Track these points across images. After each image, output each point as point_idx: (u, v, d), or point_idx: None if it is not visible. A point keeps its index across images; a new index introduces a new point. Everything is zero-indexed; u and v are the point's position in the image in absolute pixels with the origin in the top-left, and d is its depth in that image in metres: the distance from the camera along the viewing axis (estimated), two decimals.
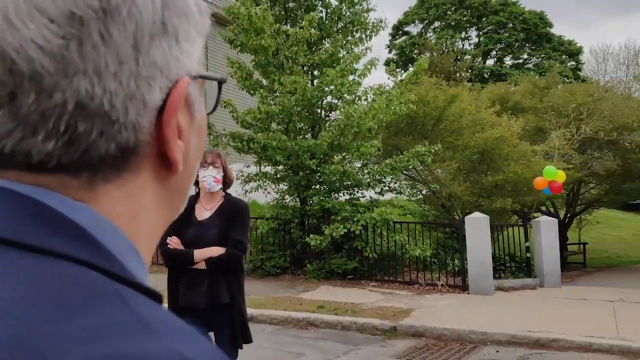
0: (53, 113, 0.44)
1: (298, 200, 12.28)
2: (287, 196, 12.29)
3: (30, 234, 0.44)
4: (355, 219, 11.02)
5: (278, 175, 12.11)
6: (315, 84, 11.57)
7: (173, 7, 0.50)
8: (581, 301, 9.75)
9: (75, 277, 0.42)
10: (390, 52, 44.66)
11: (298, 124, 11.85)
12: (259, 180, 12.15)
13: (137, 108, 0.47)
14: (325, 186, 11.82)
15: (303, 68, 11.76)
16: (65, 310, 0.39)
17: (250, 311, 8.72)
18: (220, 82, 0.60)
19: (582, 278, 13.99)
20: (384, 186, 12.42)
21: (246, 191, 12.13)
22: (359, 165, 12.37)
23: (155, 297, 0.47)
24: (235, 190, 14.69)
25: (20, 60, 0.43)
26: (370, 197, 12.40)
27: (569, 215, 18.22)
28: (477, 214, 10.83)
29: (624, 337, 7.20)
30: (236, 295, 3.70)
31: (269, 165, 12.06)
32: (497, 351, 6.96)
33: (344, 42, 12.18)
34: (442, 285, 10.71)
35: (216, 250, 3.63)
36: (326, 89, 11.23)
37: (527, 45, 43.14)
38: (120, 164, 0.48)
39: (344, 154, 11.92)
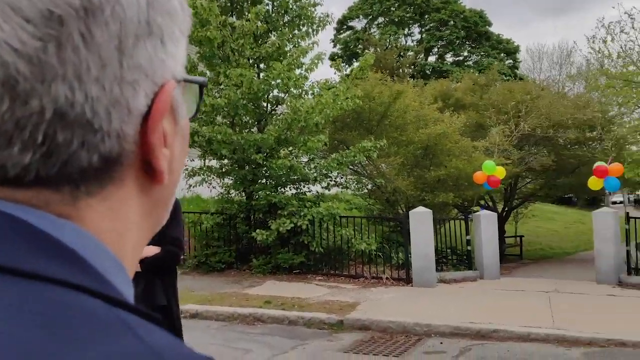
0: (29, 122, 0.40)
1: (244, 194, 12.18)
2: (232, 190, 12.17)
3: (13, 256, 0.40)
4: (302, 213, 11.03)
5: (223, 170, 11.96)
6: (261, 77, 11.47)
7: (158, 6, 0.46)
8: (519, 292, 10.12)
9: (74, 305, 0.39)
10: (334, 46, 44.87)
11: (244, 117, 11.74)
12: (203, 175, 11.97)
13: (121, 115, 0.44)
14: (271, 181, 11.77)
15: (249, 61, 11.65)
16: (71, 342, 0.36)
17: (195, 307, 8.63)
18: (202, 85, 0.57)
19: (519, 270, 14.54)
20: (330, 181, 12.48)
21: (190, 185, 11.93)
22: (305, 159, 12.38)
23: (155, 321, 0.44)
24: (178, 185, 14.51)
25: None
26: (317, 192, 12.44)
27: (506, 209, 18.87)
28: (421, 209, 11.05)
29: (559, 326, 7.52)
30: (172, 297, 3.60)
31: (213, 159, 11.89)
32: (441, 343, 7.14)
33: (291, 36, 12.14)
34: (386, 278, 10.88)
35: (151, 250, 3.47)
36: (273, 82, 11.15)
37: (467, 42, 44.27)
38: (103, 176, 0.45)
39: (290, 148, 11.90)
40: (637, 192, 41.51)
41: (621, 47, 16.95)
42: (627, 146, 16.43)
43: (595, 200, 43.98)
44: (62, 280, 0.40)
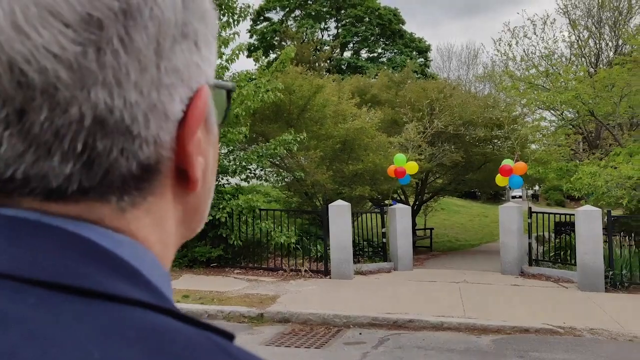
0: (69, 130, 0.39)
1: None
2: None
3: (87, 277, 0.39)
4: (221, 206, 10.90)
5: None
6: None
7: (193, 8, 0.45)
8: (431, 283, 10.56)
9: (164, 328, 0.38)
10: (251, 37, 44.43)
11: None
12: None
13: (158, 120, 0.43)
14: None
15: None
16: None
17: None
18: (230, 91, 0.56)
19: (430, 261, 15.14)
20: (250, 173, 12.40)
21: None
22: (224, 151, 12.22)
23: (233, 338, 0.44)
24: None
25: (31, 72, 0.38)
26: (236, 184, 12.32)
27: (417, 202, 19.57)
28: (339, 202, 11.23)
29: (470, 315, 7.94)
30: None
31: None
32: (360, 333, 7.32)
33: None
34: (305, 270, 10.99)
35: None
36: None
37: (381, 39, 45.32)
38: (143, 185, 0.44)
39: None
40: (534, 188, 44.43)
41: (524, 51, 18.03)
42: (529, 144, 17.54)
43: (497, 195, 46.61)
44: (139, 300, 0.39)
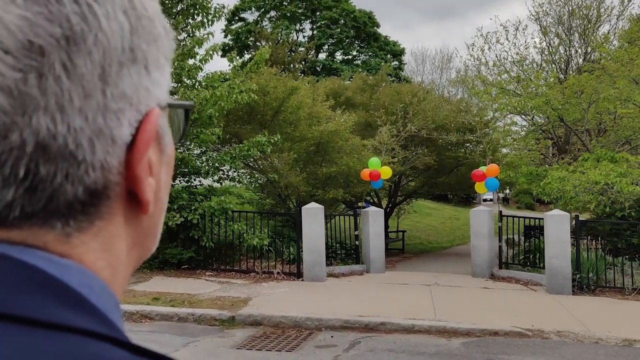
0: (10, 156, 0.39)
1: None
2: None
3: (30, 305, 0.38)
4: (193, 207, 10.80)
5: None
6: None
7: (142, 32, 0.45)
8: (403, 286, 10.62)
9: (105, 358, 0.38)
10: (225, 37, 44.17)
11: None
12: None
13: (104, 146, 0.42)
14: None
15: None
16: None
17: None
18: (188, 110, 0.56)
19: (402, 263, 15.24)
20: (223, 174, 12.31)
21: None
22: (197, 152, 12.11)
23: None
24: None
25: None
26: (208, 185, 12.22)
27: (390, 205, 19.69)
28: (313, 204, 11.23)
29: (440, 318, 8.01)
30: None
31: None
32: (332, 336, 7.32)
33: (184, 25, 11.79)
34: (278, 273, 10.95)
35: None
36: None
37: (356, 42, 45.49)
38: (91, 210, 0.43)
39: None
40: (505, 191, 45.12)
41: (496, 56, 18.29)
42: (500, 149, 17.79)
43: (468, 198, 47.19)
44: (85, 329, 0.39)
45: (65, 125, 0.40)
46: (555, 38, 19.60)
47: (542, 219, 10.98)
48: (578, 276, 10.17)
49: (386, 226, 18.11)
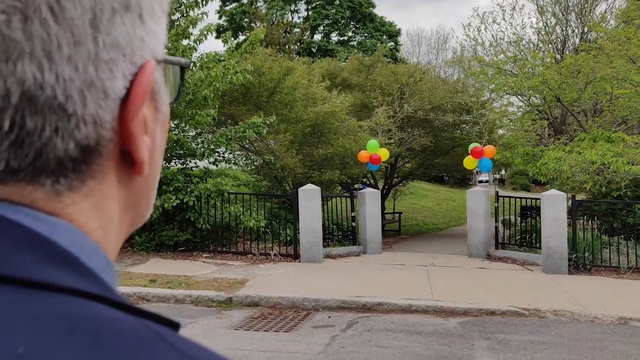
0: None
1: None
2: None
3: (18, 264, 0.36)
4: (189, 189, 10.75)
5: None
6: None
7: None
8: (400, 266, 10.64)
9: (102, 318, 0.36)
10: (220, 18, 43.73)
11: None
12: None
13: (96, 98, 0.40)
14: None
15: None
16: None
17: None
18: (183, 67, 0.53)
19: (398, 244, 15.27)
20: (218, 156, 12.25)
21: None
22: (192, 134, 12.03)
23: (177, 327, 0.41)
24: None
25: None
26: (204, 167, 12.16)
27: (386, 186, 19.68)
28: (309, 186, 11.19)
29: (437, 298, 8.03)
30: None
31: None
32: (329, 317, 7.34)
33: (178, 5, 11.63)
34: (275, 254, 10.96)
35: None
36: None
37: (352, 23, 45.12)
38: (81, 168, 0.41)
39: (177, 121, 11.49)
40: (500, 172, 45.18)
41: (493, 37, 18.17)
42: (496, 130, 17.75)
43: (464, 179, 47.28)
44: (76, 289, 0.36)
45: (54, 74, 0.37)
46: (552, 18, 19.44)
47: (539, 199, 10.99)
48: (574, 256, 10.21)
49: (383, 208, 18.13)
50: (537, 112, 17.53)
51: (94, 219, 0.42)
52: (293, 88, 13.48)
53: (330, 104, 13.44)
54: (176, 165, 11.90)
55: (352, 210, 12.47)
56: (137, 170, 0.44)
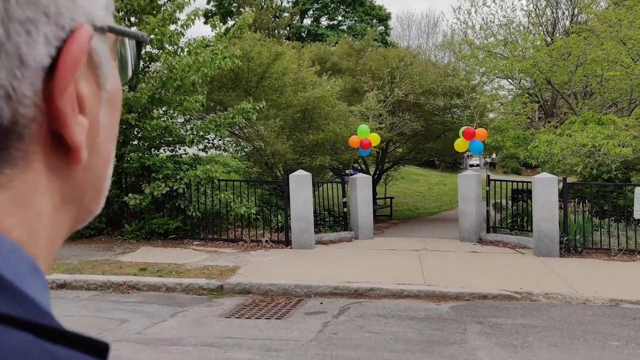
0: None
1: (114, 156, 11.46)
2: None
3: None
4: (179, 177, 10.64)
5: None
6: None
7: None
8: (392, 251, 10.62)
9: (17, 352, 0.29)
10: (208, 2, 43.22)
11: None
12: None
13: (9, 66, 0.32)
14: (144, 142, 11.19)
15: (119, 13, 10.82)
16: None
17: (63, 277, 8.08)
18: (140, 42, 0.45)
19: (390, 229, 15.25)
20: (208, 143, 12.13)
21: None
22: (181, 120, 11.90)
23: (101, 349, 0.34)
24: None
25: None
26: (194, 154, 12.05)
27: (377, 171, 19.64)
28: (300, 172, 11.12)
29: (429, 282, 8.01)
30: None
31: None
32: (321, 303, 7.30)
33: None
34: (266, 241, 10.90)
35: None
36: None
37: (342, 7, 44.78)
38: None
39: (165, 108, 11.35)
40: (491, 156, 45.24)
41: (483, 20, 18.04)
42: (487, 113, 17.71)
43: (455, 163, 47.36)
44: None
45: None
46: (542, 0, 19.34)
47: (530, 182, 10.97)
48: (565, 238, 10.23)
49: (374, 193, 18.10)
50: (527, 95, 17.49)
51: (13, 214, 0.34)
52: (282, 73, 13.34)
53: (320, 89, 13.32)
54: (165, 152, 11.78)
55: (344, 196, 12.42)
56: (73, 157, 0.37)
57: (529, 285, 7.82)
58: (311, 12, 45.03)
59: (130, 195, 10.47)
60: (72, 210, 0.41)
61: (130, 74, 0.45)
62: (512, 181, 13.17)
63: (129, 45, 0.43)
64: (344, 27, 44.08)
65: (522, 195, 12.90)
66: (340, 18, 45.29)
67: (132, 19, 11.29)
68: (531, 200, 10.75)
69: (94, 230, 11.05)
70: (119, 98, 0.43)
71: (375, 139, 12.56)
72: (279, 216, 11.65)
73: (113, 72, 0.41)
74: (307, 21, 45.22)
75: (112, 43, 0.41)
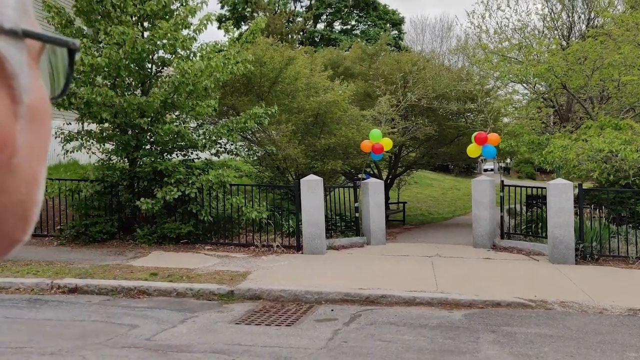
0: None
1: (126, 161, 11.50)
2: (114, 157, 11.44)
3: None
4: (191, 181, 10.63)
5: (104, 134, 11.18)
6: (146, 36, 10.75)
7: None
8: (404, 257, 10.52)
9: None
10: (222, 7, 43.45)
11: (127, 78, 10.98)
12: (81, 139, 11.13)
13: None
14: (157, 147, 11.20)
15: (132, 18, 10.85)
16: None
17: (74, 281, 8.08)
18: (72, 50, 0.38)
19: (403, 235, 15.13)
20: (220, 147, 12.11)
21: (67, 151, 11.08)
22: (193, 125, 11.90)
23: None
24: (53, 149, 13.24)
25: None
26: (206, 159, 12.05)
27: (390, 176, 19.51)
28: (312, 176, 11.06)
29: (442, 289, 7.90)
30: None
31: (93, 122, 11.07)
32: (332, 310, 7.22)
33: None
34: (277, 246, 10.85)
35: None
36: (158, 42, 10.49)
37: (355, 11, 44.76)
38: None
39: (177, 113, 11.36)
40: (505, 161, 44.93)
41: (497, 24, 17.90)
42: (501, 118, 17.53)
43: (469, 168, 47.04)
44: None
45: None
46: (558, 4, 19.17)
47: (545, 188, 10.82)
48: (581, 245, 10.06)
49: (386, 197, 17.98)
50: (542, 99, 17.31)
51: None
52: (295, 78, 13.30)
53: (332, 94, 13.26)
54: (177, 157, 11.79)
55: (356, 201, 12.33)
56: None
57: (544, 293, 7.68)
58: (324, 16, 45.07)
59: (142, 199, 10.47)
60: None
61: (61, 85, 0.39)
62: (527, 187, 13.00)
63: (60, 54, 0.37)
64: (357, 32, 44.04)
65: (537, 201, 12.73)
66: (353, 23, 45.27)
67: (145, 24, 11.32)
68: (546, 206, 10.59)
69: (106, 235, 11.06)
70: (45, 112, 0.37)
71: (387, 143, 12.47)
72: (290, 221, 11.59)
73: (36, 83, 0.35)
74: (320, 26, 45.25)
75: (36, 51, 0.35)
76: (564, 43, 18.21)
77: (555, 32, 19.00)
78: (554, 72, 13.85)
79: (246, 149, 13.71)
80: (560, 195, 9.97)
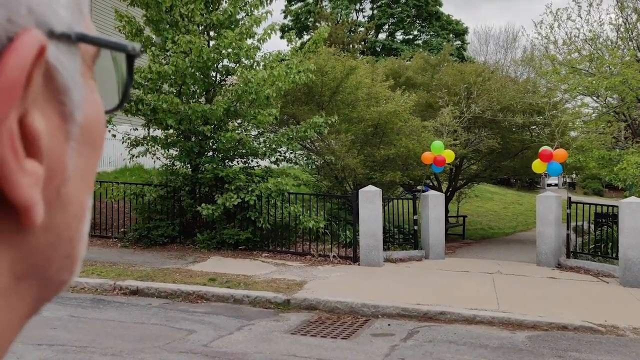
0: None
1: (189, 167, 11.75)
2: (177, 162, 11.71)
3: None
4: (250, 188, 10.74)
5: (168, 140, 11.46)
6: (211, 45, 10.97)
7: None
8: (464, 273, 10.23)
9: None
10: (285, 17, 44.09)
11: (192, 86, 11.23)
12: (147, 145, 11.45)
13: None
14: (219, 154, 11.39)
15: (199, 28, 11.11)
16: None
17: (136, 283, 8.28)
18: (131, 55, 0.32)
19: (462, 249, 14.75)
20: (280, 156, 12.20)
21: (133, 155, 11.42)
22: (255, 133, 12.04)
23: None
24: (120, 154, 13.66)
25: None
26: (265, 167, 12.15)
27: (450, 189, 19.12)
28: (370, 187, 10.95)
29: (504, 309, 7.61)
30: None
31: (158, 128, 11.37)
32: (389, 324, 7.08)
33: (243, 4, 11.64)
34: (334, 256, 10.78)
35: None
36: (223, 51, 10.69)
37: (417, 21, 44.39)
38: None
39: (239, 121, 11.51)
40: (571, 176, 43.28)
41: (567, 34, 17.28)
42: (569, 132, 16.87)
43: (532, 182, 45.62)
44: None
45: None
46: (634, 14, 18.31)
47: (615, 206, 10.29)
48: None
49: (446, 210, 17.62)
50: (613, 113, 16.54)
51: None
52: (356, 87, 13.25)
53: (393, 104, 13.12)
54: (238, 164, 11.95)
55: (414, 213, 12.12)
56: (23, 219, 0.26)
57: (615, 317, 7.27)
58: (386, 26, 44.91)
59: (203, 205, 10.65)
60: (33, 287, 0.29)
61: (118, 98, 0.33)
62: (595, 204, 12.42)
63: (117, 60, 0.32)
64: (420, 42, 43.63)
65: (607, 219, 12.14)
66: (415, 33, 44.89)
67: (211, 33, 11.57)
68: (617, 226, 10.06)
69: (167, 238, 11.31)
70: (100, 131, 0.31)
71: (449, 155, 12.20)
72: (347, 231, 11.51)
73: (90, 97, 0.30)
74: (382, 36, 45.12)
75: (90, 57, 0.30)
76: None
77: (630, 43, 18.14)
78: (628, 85, 13.22)
79: (305, 158, 13.75)
80: (633, 215, 9.45)
